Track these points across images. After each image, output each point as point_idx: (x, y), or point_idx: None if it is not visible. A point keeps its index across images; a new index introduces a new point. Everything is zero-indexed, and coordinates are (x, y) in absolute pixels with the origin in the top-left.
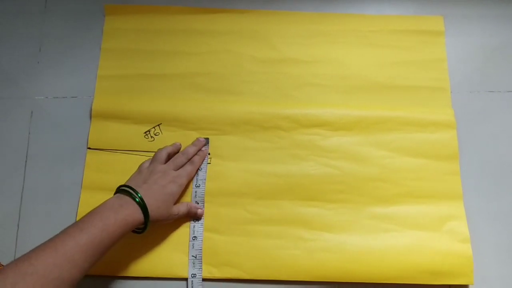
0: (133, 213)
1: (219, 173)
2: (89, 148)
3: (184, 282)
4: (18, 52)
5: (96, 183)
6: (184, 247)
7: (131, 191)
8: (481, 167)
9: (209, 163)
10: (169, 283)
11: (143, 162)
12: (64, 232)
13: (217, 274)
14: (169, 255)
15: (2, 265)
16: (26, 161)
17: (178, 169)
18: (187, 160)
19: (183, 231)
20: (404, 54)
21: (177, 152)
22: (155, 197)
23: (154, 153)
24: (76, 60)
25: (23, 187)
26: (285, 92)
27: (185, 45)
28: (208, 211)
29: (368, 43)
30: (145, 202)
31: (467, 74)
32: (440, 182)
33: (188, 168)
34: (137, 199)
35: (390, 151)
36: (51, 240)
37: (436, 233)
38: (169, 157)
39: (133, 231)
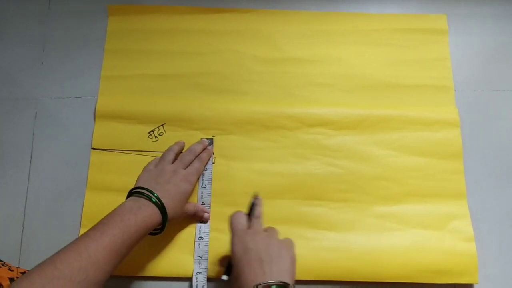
0: (152, 215)
1: (223, 173)
2: (93, 149)
3: (188, 282)
4: (22, 53)
5: (101, 184)
6: (190, 247)
7: (147, 192)
8: (485, 165)
9: (213, 163)
10: (174, 283)
11: (148, 164)
12: (86, 235)
13: (221, 273)
14: (175, 255)
15: (12, 270)
16: (30, 162)
17: (187, 167)
18: (194, 157)
19: (189, 231)
20: (407, 53)
21: (182, 150)
22: (171, 197)
23: (158, 153)
24: (80, 60)
25: (27, 188)
26: (289, 91)
27: (188, 45)
28: (213, 210)
29: (371, 42)
30: (163, 202)
31: (470, 73)
32: (444, 181)
33: (197, 164)
34: (153, 199)
35: (394, 150)
36: (73, 243)
37: (440, 232)
38: (176, 157)
39: (150, 233)
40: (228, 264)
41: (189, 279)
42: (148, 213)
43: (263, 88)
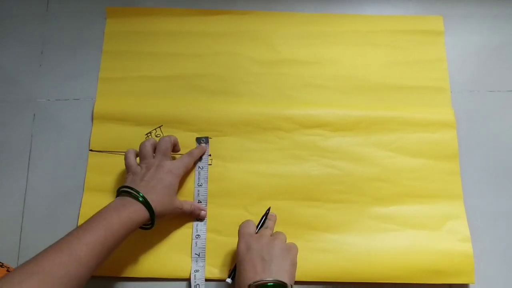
0: (137, 211)
1: (220, 174)
2: (91, 150)
3: (185, 282)
4: (20, 55)
5: (98, 185)
6: (187, 247)
7: (131, 191)
8: (481, 166)
9: (210, 164)
10: (171, 283)
11: (127, 161)
12: (69, 234)
13: (218, 274)
14: (172, 256)
15: (9, 270)
16: (29, 163)
17: (166, 153)
18: (170, 143)
19: (185, 232)
20: (404, 54)
21: (169, 143)
22: (156, 191)
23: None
24: (78, 62)
25: (26, 189)
26: (286, 93)
27: (186, 47)
28: (210, 212)
29: (368, 44)
30: (148, 198)
31: (467, 74)
32: (441, 182)
33: (186, 159)
34: (140, 199)
35: (391, 151)
36: (56, 242)
37: (436, 232)
38: (154, 146)
39: (141, 228)
40: (233, 267)
41: (186, 280)
42: (132, 209)
43: (260, 90)
